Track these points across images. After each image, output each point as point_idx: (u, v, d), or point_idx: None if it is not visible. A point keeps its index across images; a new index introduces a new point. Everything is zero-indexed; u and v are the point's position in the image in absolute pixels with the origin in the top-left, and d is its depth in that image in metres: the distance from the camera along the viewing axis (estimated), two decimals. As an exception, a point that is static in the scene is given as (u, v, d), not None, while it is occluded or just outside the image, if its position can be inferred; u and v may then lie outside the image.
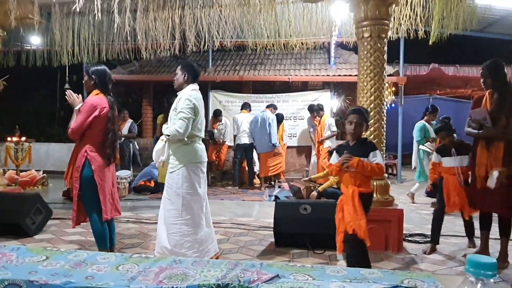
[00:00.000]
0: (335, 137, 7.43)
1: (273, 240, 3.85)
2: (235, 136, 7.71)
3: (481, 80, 3.36)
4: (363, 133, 2.84)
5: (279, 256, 3.52)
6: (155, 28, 5.84)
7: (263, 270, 0.98)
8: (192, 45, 6.17)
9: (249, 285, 0.86)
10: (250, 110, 7.85)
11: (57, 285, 0.91)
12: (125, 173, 6.65)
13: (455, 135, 3.75)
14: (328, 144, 7.23)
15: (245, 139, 7.54)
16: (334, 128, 7.32)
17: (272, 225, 3.83)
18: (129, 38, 5.66)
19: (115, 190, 3.26)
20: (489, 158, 3.15)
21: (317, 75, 9.08)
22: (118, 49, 6.91)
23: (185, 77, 3.17)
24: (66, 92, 3.20)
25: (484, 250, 3.36)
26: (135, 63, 10.08)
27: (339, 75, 8.84)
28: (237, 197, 6.69)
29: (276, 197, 6.08)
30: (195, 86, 3.22)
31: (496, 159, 3.10)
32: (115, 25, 5.02)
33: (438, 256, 3.56)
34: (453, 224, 4.72)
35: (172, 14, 5.72)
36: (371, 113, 3.79)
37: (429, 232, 4.25)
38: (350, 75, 8.58)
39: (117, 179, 6.50)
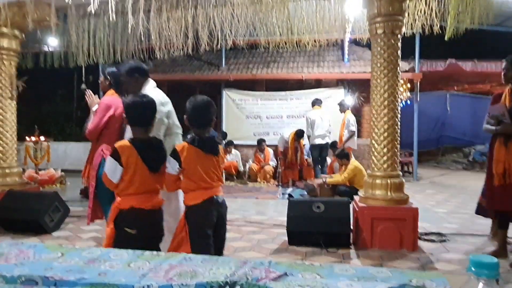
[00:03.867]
0: (355, 136, 7.18)
1: (286, 238, 3.85)
2: (309, 137, 7.39)
3: (502, 73, 3.30)
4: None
5: (292, 255, 3.52)
6: (169, 28, 5.89)
7: (272, 268, 0.99)
8: (205, 44, 6.21)
9: (257, 282, 0.87)
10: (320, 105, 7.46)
11: (71, 281, 0.94)
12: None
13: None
14: (348, 144, 6.98)
15: (319, 140, 7.22)
16: (352, 128, 6.99)
17: (286, 224, 3.83)
18: (143, 39, 5.72)
19: None
20: (507, 154, 3.08)
21: (330, 73, 9.02)
22: (133, 49, 6.99)
23: (137, 80, 2.97)
24: (86, 92, 3.26)
25: (502, 249, 3.29)
26: (150, 63, 10.19)
27: (353, 72, 8.76)
28: (250, 195, 6.71)
29: (290, 196, 6.08)
30: (153, 83, 3.07)
31: None
32: (129, 26, 5.09)
33: (454, 255, 3.50)
34: (471, 223, 4.63)
35: (185, 13, 5.76)
36: (385, 111, 3.74)
37: (445, 231, 4.21)
38: (364, 72, 8.48)
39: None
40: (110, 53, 6.78)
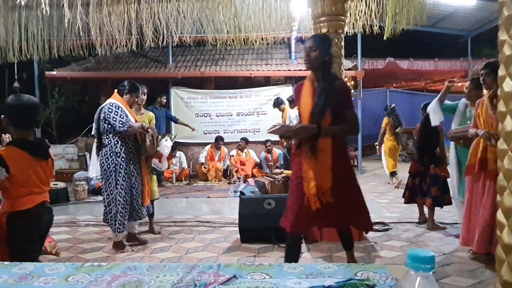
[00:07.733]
0: None
1: (238, 236, 3.85)
2: None
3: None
4: None
5: (244, 252, 3.53)
6: (110, 23, 5.62)
7: (221, 272, 0.97)
8: (150, 41, 6.01)
9: (205, 288, 0.86)
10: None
11: (-2, 301, 0.85)
12: (83, 175, 6.39)
13: None
14: None
15: None
16: (294, 122, 7.16)
17: (237, 221, 3.83)
18: (81, 34, 5.41)
19: None
20: (316, 166, 2.41)
21: (278, 70, 9.15)
22: (71, 45, 6.58)
23: None
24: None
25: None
26: (91, 60, 9.68)
27: (300, 70, 8.95)
28: (202, 194, 6.63)
29: (241, 193, 6.09)
30: None
31: (325, 169, 2.42)
32: (66, 20, 4.78)
33: (396, 243, 3.71)
34: (409, 211, 4.94)
35: (128, 8, 5.53)
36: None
37: (387, 220, 4.45)
38: (310, 70, 8.70)
39: (75, 181, 6.24)
40: (45, 49, 6.33)
